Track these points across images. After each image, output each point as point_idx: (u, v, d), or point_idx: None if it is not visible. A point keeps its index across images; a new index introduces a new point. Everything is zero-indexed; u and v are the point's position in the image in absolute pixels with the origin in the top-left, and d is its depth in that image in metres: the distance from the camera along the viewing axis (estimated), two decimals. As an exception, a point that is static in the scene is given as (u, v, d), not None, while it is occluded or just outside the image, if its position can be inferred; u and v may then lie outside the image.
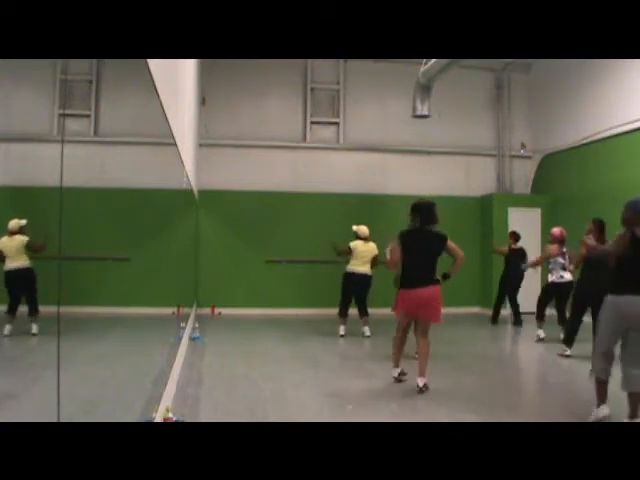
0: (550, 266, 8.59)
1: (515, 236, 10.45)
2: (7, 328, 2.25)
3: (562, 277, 8.39)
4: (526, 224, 11.64)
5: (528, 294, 10.38)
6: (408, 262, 5.81)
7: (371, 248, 9.04)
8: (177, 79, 5.22)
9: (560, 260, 8.42)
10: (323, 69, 12.57)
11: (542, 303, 8.83)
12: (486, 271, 12.41)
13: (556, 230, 8.59)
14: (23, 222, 2.07)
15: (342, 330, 9.06)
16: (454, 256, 5.91)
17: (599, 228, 6.87)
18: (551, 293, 8.69)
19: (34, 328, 2.36)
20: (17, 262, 2.18)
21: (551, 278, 8.56)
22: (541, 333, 8.73)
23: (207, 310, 11.60)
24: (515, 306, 10.47)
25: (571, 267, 8.31)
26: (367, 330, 9.04)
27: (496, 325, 10.67)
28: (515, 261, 10.17)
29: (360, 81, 12.59)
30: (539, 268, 10.36)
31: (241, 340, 8.83)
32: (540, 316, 8.78)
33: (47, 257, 2.12)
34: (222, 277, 11.79)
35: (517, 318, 10.43)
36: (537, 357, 8.26)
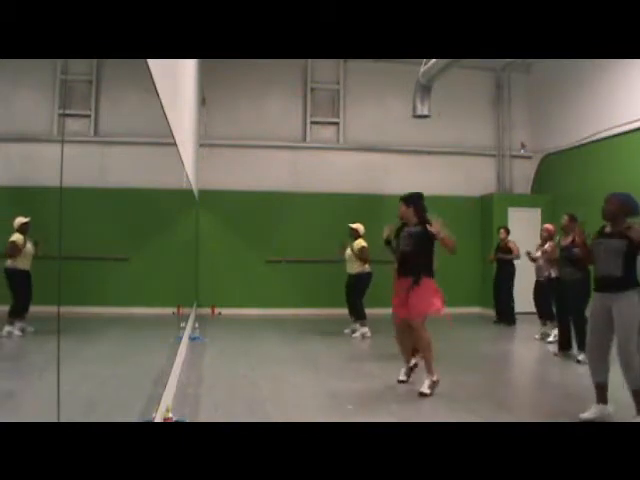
0: (537, 263, 8.60)
1: (507, 231, 10.41)
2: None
3: (545, 273, 8.39)
4: (526, 224, 11.62)
5: (526, 293, 10.36)
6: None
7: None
8: (177, 79, 5.22)
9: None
10: (323, 69, 12.56)
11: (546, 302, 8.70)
12: (486, 271, 12.39)
13: (551, 227, 8.60)
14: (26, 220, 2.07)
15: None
16: None
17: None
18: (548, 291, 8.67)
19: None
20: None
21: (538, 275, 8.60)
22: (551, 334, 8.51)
23: (207, 310, 11.59)
24: (510, 304, 10.43)
25: (545, 259, 8.27)
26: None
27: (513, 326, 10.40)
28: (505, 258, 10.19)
29: (360, 81, 12.58)
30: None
31: (241, 340, 8.82)
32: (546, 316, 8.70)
33: (47, 257, 2.12)
34: (222, 277, 11.78)
35: (510, 317, 10.38)
36: (538, 356, 8.26)
